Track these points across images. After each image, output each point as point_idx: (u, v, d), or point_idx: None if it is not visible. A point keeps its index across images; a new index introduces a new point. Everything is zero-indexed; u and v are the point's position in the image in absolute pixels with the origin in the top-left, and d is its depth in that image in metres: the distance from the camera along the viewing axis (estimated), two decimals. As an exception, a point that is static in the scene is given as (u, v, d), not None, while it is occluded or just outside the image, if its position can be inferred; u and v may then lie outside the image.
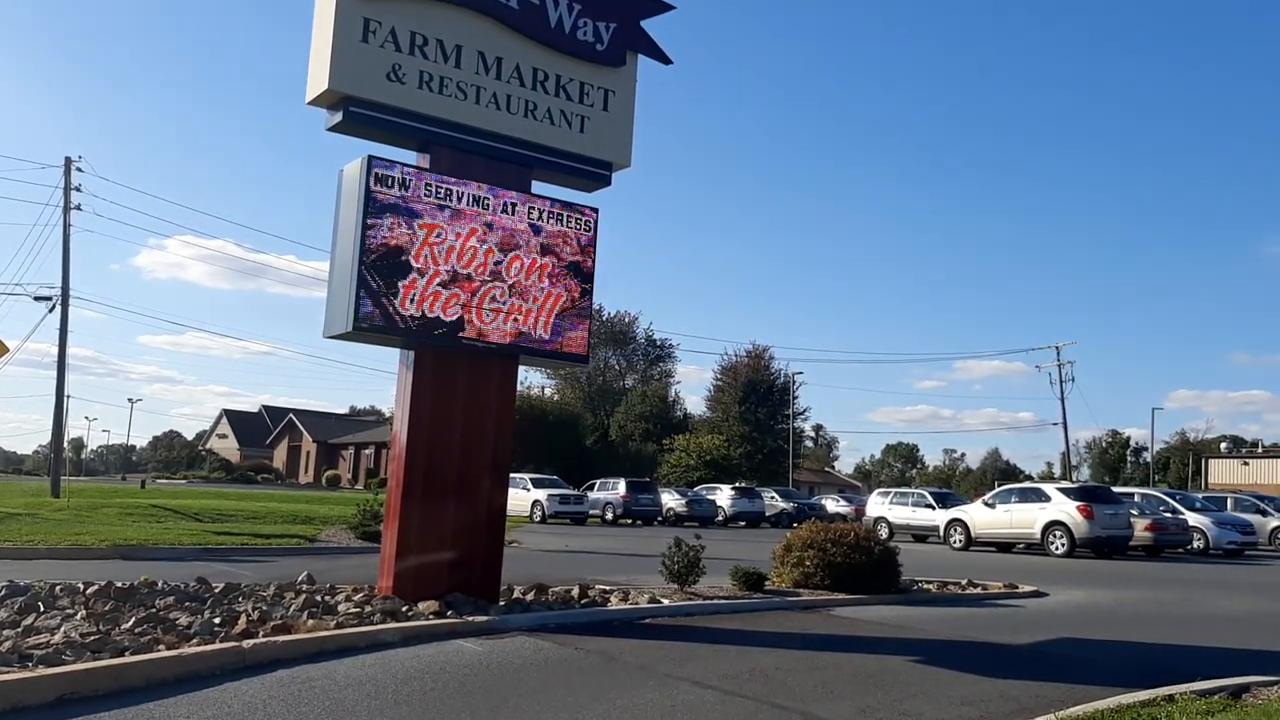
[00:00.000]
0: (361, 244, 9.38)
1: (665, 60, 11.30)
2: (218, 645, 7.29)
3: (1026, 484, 32.67)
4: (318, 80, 9.63)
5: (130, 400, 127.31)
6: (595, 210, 10.77)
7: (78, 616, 8.22)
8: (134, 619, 8.15)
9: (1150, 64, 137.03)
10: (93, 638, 7.29)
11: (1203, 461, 77.85)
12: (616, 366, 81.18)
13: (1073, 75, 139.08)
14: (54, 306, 35.80)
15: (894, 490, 35.73)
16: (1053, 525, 25.70)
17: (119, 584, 10.00)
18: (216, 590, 9.94)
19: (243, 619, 8.21)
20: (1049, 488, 27.64)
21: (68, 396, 36.35)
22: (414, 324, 9.59)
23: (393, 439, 10.12)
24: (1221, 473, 70.20)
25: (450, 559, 9.88)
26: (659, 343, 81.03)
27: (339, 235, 9.78)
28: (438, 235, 9.78)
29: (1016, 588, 14.14)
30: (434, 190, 9.79)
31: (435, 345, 9.84)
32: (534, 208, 10.37)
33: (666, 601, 10.67)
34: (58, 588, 9.72)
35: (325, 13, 9.64)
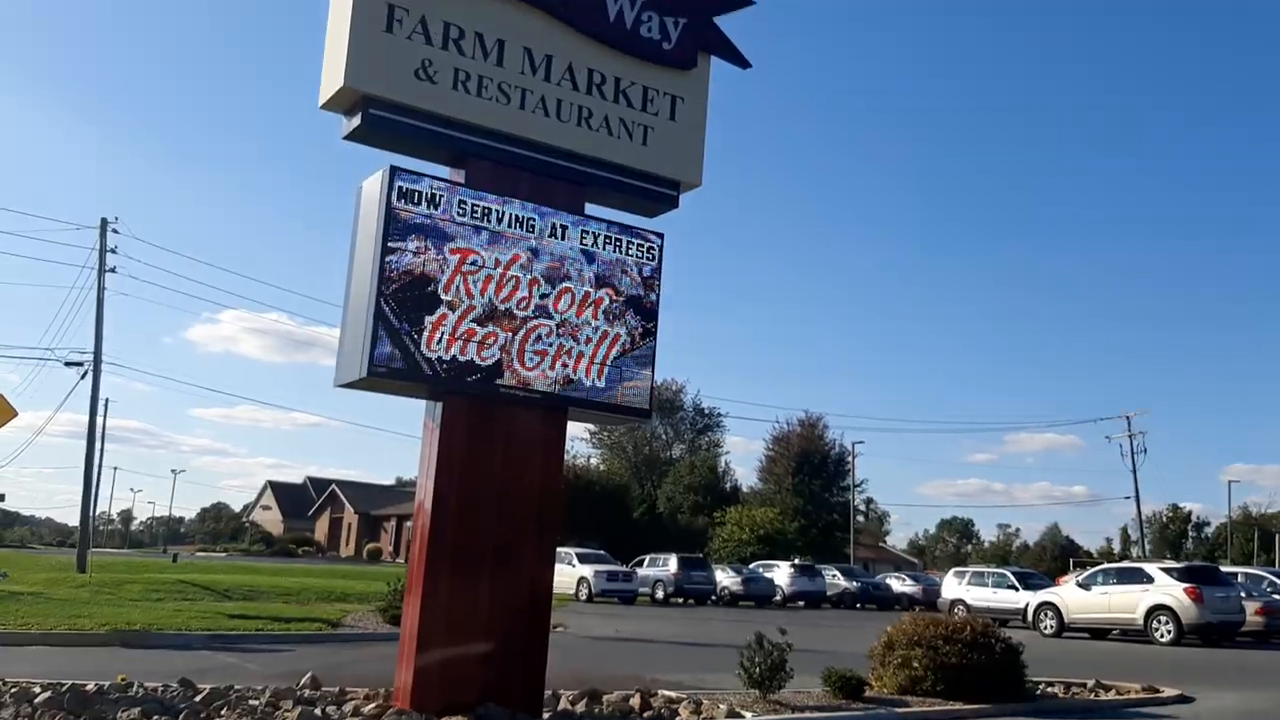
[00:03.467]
0: (380, 272, 7.69)
1: (743, 64, 9.62)
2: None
3: (1125, 564, 30.11)
4: (332, 77, 8.03)
5: (173, 471, 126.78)
6: (660, 236, 9.02)
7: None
8: (76, 742, 6.33)
9: (1214, 137, 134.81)
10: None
11: (1275, 537, 74.06)
12: (664, 436, 79.14)
13: (1127, 145, 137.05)
14: (86, 373, 34.70)
15: (971, 569, 33.20)
16: (1157, 610, 23.25)
17: (87, 687, 8.25)
18: (198, 697, 8.11)
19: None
20: (1151, 567, 25.20)
21: (114, 469, 35.47)
22: (442, 368, 7.84)
23: (416, 508, 8.31)
24: (1290, 549, 66.53)
25: (484, 652, 8.00)
26: (707, 411, 78.96)
27: (355, 264, 8.11)
28: (473, 262, 8.07)
29: (1158, 691, 11.91)
30: (469, 209, 8.11)
31: (468, 394, 8.07)
32: (588, 231, 8.64)
33: (749, 716, 8.66)
34: (6, 695, 7.92)
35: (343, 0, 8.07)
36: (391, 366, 7.66)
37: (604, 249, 8.68)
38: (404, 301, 7.74)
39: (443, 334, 7.87)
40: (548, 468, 8.59)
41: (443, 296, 7.89)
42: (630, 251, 8.82)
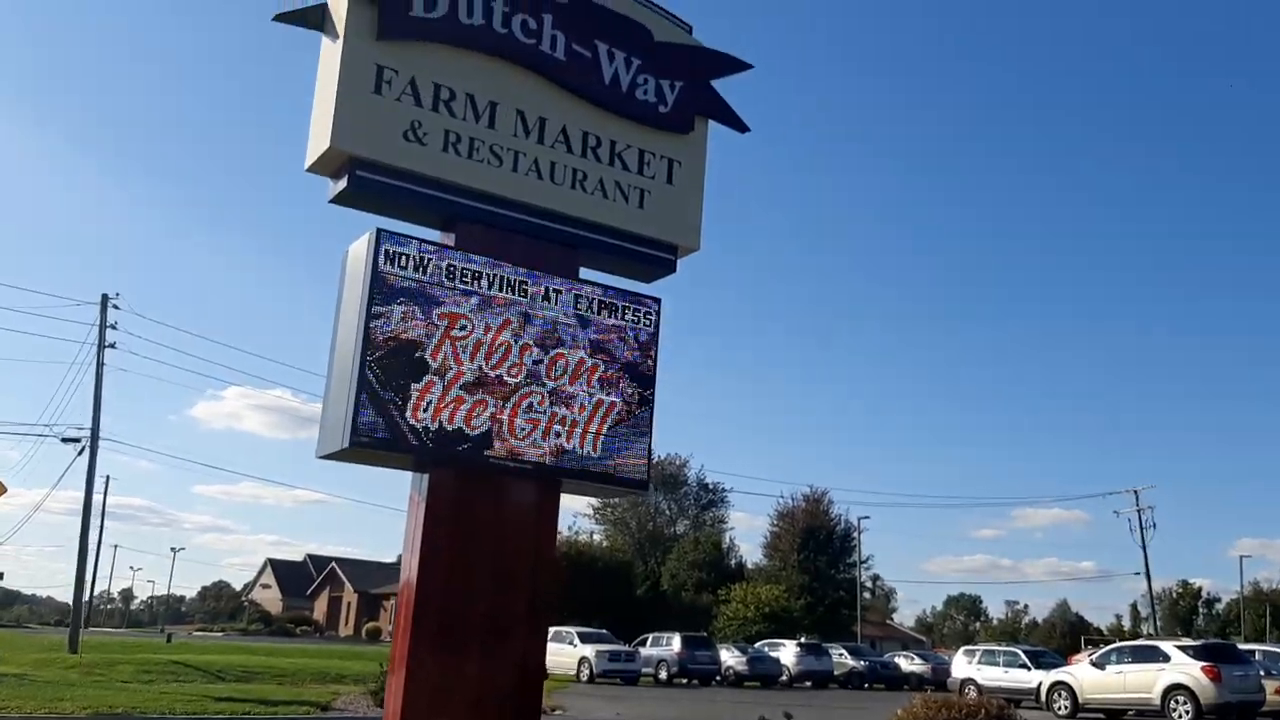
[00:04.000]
0: (365, 337, 7.41)
1: (741, 128, 9.44)
2: None
3: (1141, 642, 29.40)
4: (319, 139, 7.83)
5: (173, 549, 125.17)
6: (657, 300, 8.75)
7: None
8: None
9: (1222, 201, 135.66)
10: None
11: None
12: (667, 512, 78.34)
13: (1130, 212, 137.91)
14: (83, 449, 34.33)
15: (982, 648, 32.39)
16: (1174, 689, 22.54)
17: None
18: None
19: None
20: (1168, 646, 24.52)
21: (114, 547, 34.94)
22: (429, 438, 7.51)
23: (401, 585, 7.93)
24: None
25: (474, 739, 7.55)
26: (711, 486, 78.24)
27: (339, 330, 7.83)
28: (461, 327, 7.79)
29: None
30: (458, 273, 7.85)
31: (455, 465, 7.73)
32: (582, 296, 8.37)
33: (754, 805, 8.17)
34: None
35: (330, 60, 7.91)
36: (375, 436, 7.34)
37: (599, 314, 8.40)
38: (389, 368, 7.44)
39: (429, 402, 7.55)
40: (540, 542, 8.23)
41: (430, 363, 7.60)
42: (626, 317, 8.54)
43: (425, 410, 7.51)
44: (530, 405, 7.93)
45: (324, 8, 8.03)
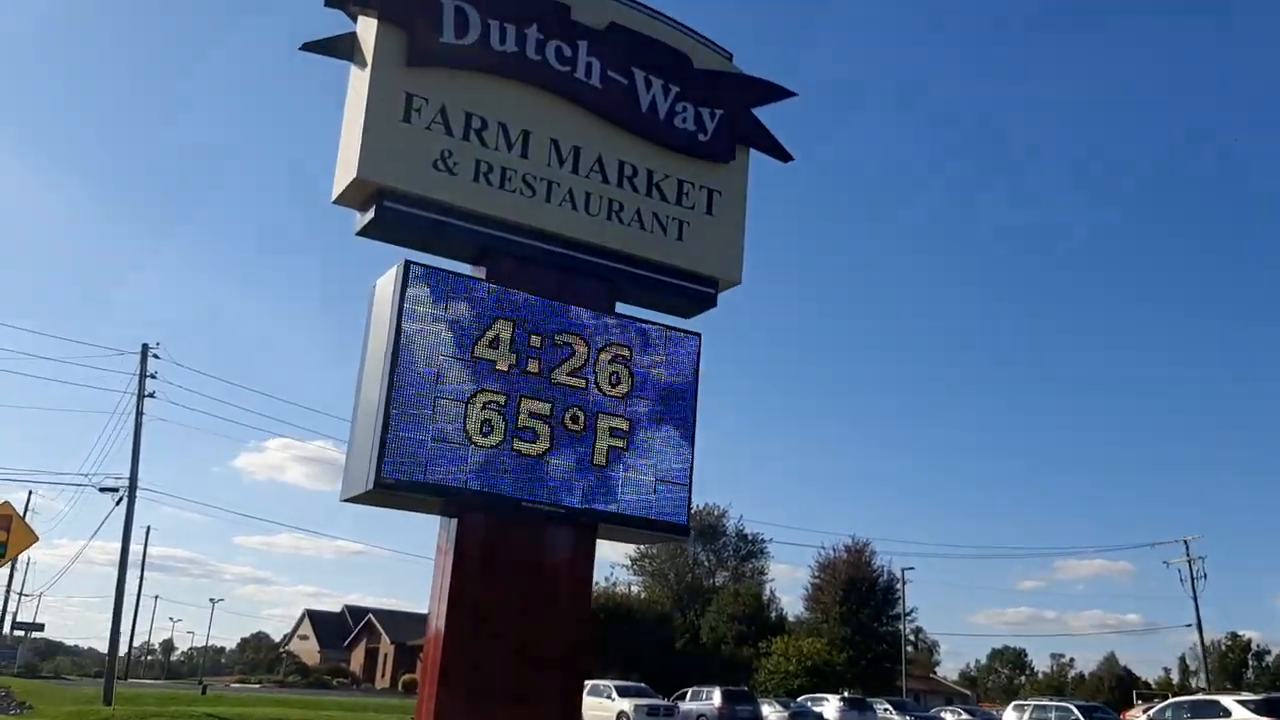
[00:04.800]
0: (391, 374, 7.06)
1: (784, 157, 9.09)
2: None
3: (1198, 696, 28.26)
4: (346, 170, 7.56)
5: (211, 600, 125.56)
6: (697, 336, 8.34)
7: None
8: None
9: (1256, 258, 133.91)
10: None
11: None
12: (706, 563, 77.36)
13: (1172, 266, 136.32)
14: (121, 499, 34.28)
15: (1032, 703, 31.28)
16: (1238, 747, 21.52)
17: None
18: None
19: None
20: (1227, 700, 23.50)
21: (154, 598, 34.69)
22: (458, 480, 7.11)
23: (427, 639, 7.50)
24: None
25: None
26: (750, 537, 77.23)
27: (366, 368, 7.49)
28: (493, 365, 7.41)
29: None
30: (489, 307, 7.49)
31: (486, 509, 7.32)
32: (619, 331, 7.98)
33: None
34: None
35: (358, 89, 7.66)
36: (401, 478, 6.95)
37: (636, 350, 8.01)
38: (417, 407, 7.08)
39: (459, 442, 7.17)
40: (575, 592, 7.79)
41: (460, 402, 7.22)
42: (665, 353, 8.14)
43: (454, 450, 7.13)
44: (565, 446, 7.53)
45: (353, 36, 7.80)
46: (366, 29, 7.68)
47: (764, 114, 9.01)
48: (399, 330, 7.14)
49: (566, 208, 8.02)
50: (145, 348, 34.47)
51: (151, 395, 34.34)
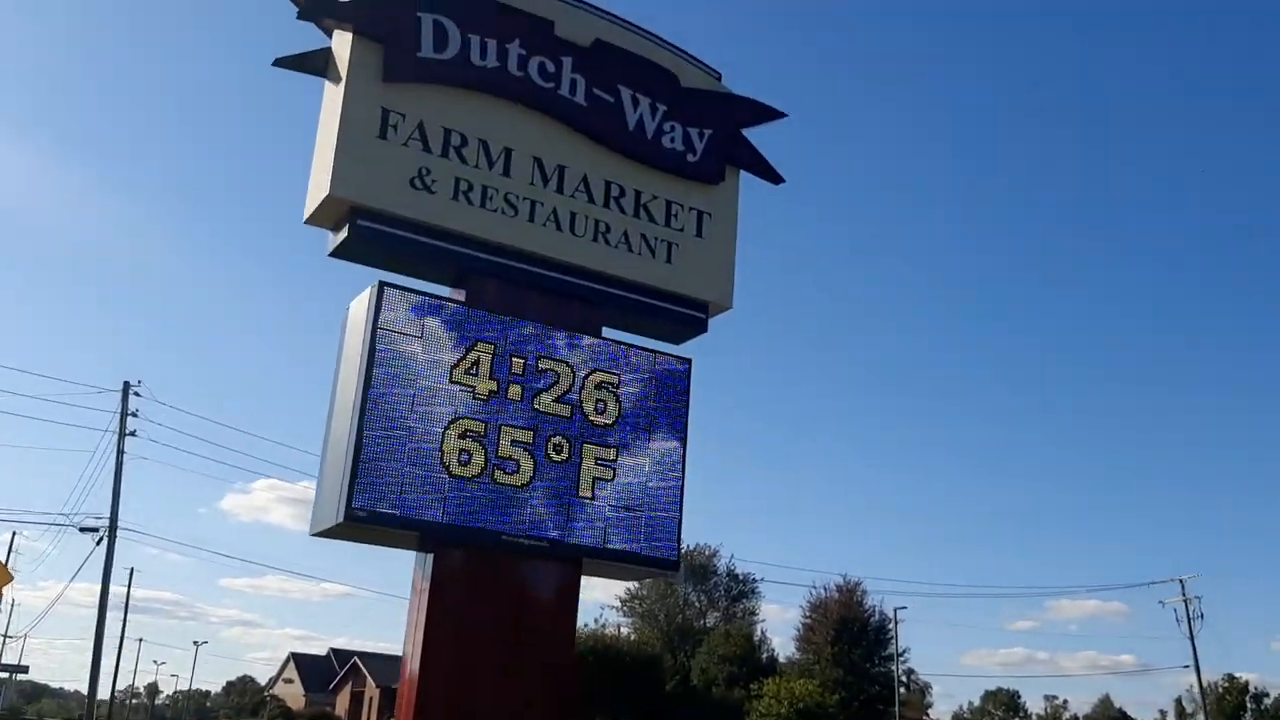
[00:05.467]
0: (363, 401, 6.69)
1: (775, 179, 8.80)
2: None
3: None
4: (318, 188, 7.23)
5: (195, 643, 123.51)
6: (687, 361, 8.00)
7: None
8: None
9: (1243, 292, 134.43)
10: None
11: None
12: (697, 604, 76.51)
13: (1163, 298, 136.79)
14: (101, 539, 33.68)
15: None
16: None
17: None
18: None
19: None
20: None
21: (138, 640, 33.93)
22: (434, 512, 6.72)
23: (401, 683, 7.07)
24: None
25: None
26: (741, 577, 76.49)
27: (337, 394, 7.13)
28: (472, 390, 7.06)
29: None
30: (469, 332, 7.14)
31: (464, 543, 6.93)
32: (605, 357, 7.63)
33: None
34: None
35: (332, 104, 7.35)
36: (374, 510, 6.57)
37: (623, 377, 7.66)
38: (390, 435, 6.71)
39: (435, 473, 6.79)
40: (559, 631, 7.37)
41: (437, 429, 6.85)
42: (653, 380, 7.78)
43: (430, 481, 6.75)
44: (548, 477, 7.15)
45: (328, 52, 7.50)
46: (341, 43, 7.38)
47: (756, 135, 8.73)
48: (372, 354, 6.78)
49: (550, 228, 7.69)
50: (126, 385, 34.10)
51: (133, 434, 33.88)
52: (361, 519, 6.53)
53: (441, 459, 6.81)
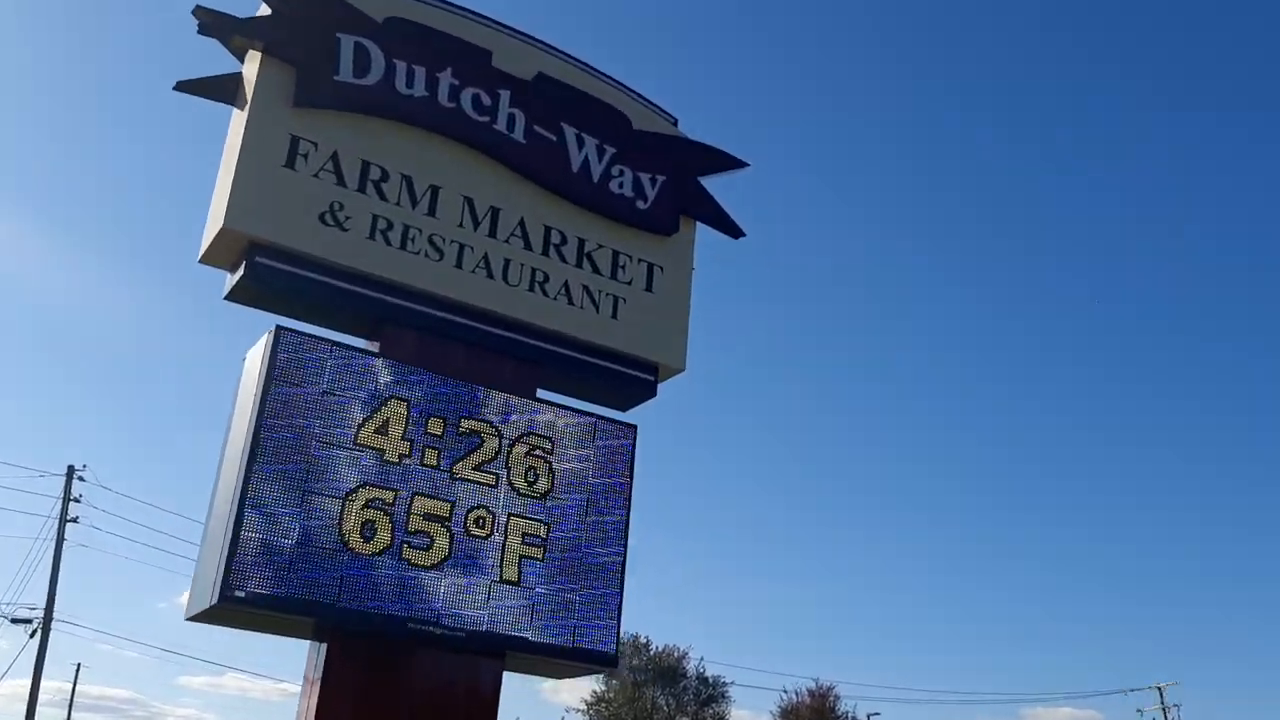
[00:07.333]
0: (251, 463, 5.75)
1: (735, 232, 8.03)
2: None
3: None
4: (214, 220, 6.37)
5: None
6: (632, 428, 7.09)
7: None
8: None
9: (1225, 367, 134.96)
10: None
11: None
12: (665, 708, 74.08)
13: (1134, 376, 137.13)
14: (35, 631, 31.88)
15: None
16: None
17: None
18: None
19: None
20: None
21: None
22: (328, 595, 5.72)
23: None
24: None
25: None
26: (711, 680, 74.28)
27: (225, 455, 6.18)
28: (380, 454, 6.11)
29: None
30: (380, 387, 6.23)
31: (364, 631, 5.91)
32: (538, 422, 6.72)
33: None
34: None
35: (236, 130, 6.52)
36: (256, 591, 5.56)
37: (559, 443, 6.73)
38: (281, 503, 5.74)
39: (332, 548, 5.81)
40: (477, 738, 6.30)
41: (336, 498, 5.89)
42: (593, 448, 6.86)
43: (326, 558, 5.76)
44: (467, 556, 6.17)
45: (238, 77, 6.71)
46: (250, 65, 6.60)
47: (713, 184, 7.98)
48: (263, 409, 5.85)
49: (481, 275, 6.84)
50: (70, 469, 32.58)
51: (74, 520, 32.31)
52: (239, 600, 5.52)
53: (340, 533, 5.84)
